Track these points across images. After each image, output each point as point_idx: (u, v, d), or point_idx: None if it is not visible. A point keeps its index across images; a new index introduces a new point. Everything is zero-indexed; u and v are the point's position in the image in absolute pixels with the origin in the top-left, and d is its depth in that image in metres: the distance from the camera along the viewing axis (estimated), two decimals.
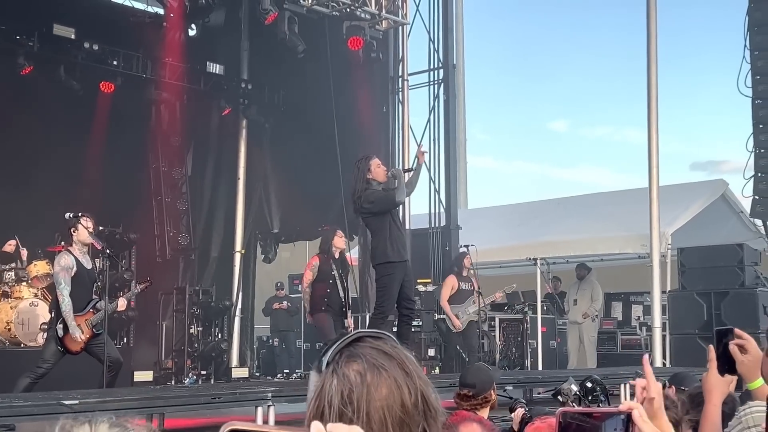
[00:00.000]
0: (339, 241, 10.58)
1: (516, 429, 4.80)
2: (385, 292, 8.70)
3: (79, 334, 8.19)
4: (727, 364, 3.04)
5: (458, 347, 12.33)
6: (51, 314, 9.25)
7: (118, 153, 13.29)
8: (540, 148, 45.04)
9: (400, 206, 9.25)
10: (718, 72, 32.95)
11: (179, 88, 13.96)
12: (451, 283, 12.33)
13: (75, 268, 8.23)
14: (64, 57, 12.59)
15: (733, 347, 3.01)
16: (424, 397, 1.49)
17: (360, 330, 1.57)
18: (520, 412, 4.95)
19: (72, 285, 8.18)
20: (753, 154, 12.28)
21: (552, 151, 42.83)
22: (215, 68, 14.28)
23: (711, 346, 3.09)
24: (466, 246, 13.52)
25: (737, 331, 3.11)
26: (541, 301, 14.69)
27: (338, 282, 10.23)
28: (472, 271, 12.43)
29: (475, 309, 12.16)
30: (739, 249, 12.07)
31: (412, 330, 9.90)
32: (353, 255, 15.41)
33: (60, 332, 8.14)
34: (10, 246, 10.65)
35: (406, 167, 8.94)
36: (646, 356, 2.56)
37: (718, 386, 3.14)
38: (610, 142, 42.46)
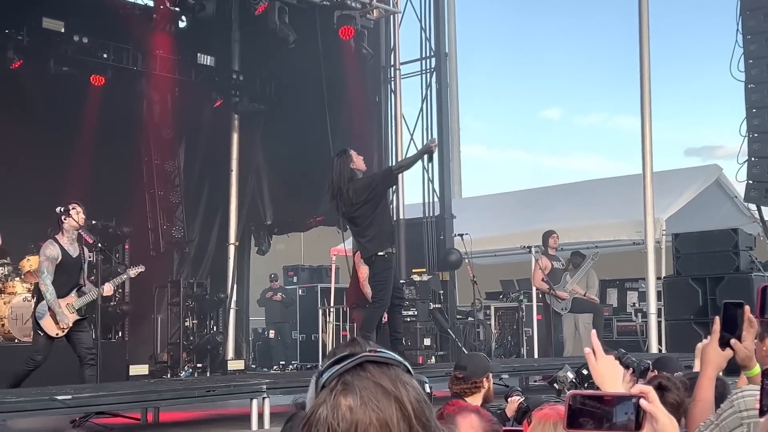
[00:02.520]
0: None
1: (509, 416, 4.78)
2: (385, 285, 8.72)
3: (67, 321, 8.16)
4: (729, 339, 3.02)
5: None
6: (33, 299, 9.23)
7: (110, 146, 13.25)
8: (533, 137, 45.01)
9: (391, 197, 9.30)
10: (712, 57, 32.96)
11: (170, 80, 13.89)
12: (544, 264, 12.49)
13: (60, 258, 8.20)
14: (53, 50, 12.51)
15: (749, 316, 2.99)
16: None
17: (367, 354, 1.47)
18: (516, 399, 4.93)
19: (56, 272, 8.16)
20: (746, 138, 12.25)
21: (545, 139, 42.79)
22: (206, 60, 14.21)
23: (717, 318, 3.06)
24: (461, 235, 13.54)
25: (747, 311, 3.08)
26: (537, 289, 14.68)
27: None
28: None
29: (572, 283, 12.48)
30: (733, 234, 12.06)
31: (406, 320, 9.94)
32: (347, 245, 15.40)
33: (39, 318, 8.12)
34: None
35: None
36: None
37: (715, 359, 3.12)
38: (602, 129, 42.45)
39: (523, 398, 5.00)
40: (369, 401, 1.40)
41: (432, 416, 1.46)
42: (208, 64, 14.25)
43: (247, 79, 14.83)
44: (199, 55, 14.14)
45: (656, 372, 5.37)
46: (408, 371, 1.48)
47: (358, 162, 8.62)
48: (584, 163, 43.78)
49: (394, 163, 8.60)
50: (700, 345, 3.31)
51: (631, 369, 5.79)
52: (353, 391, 1.41)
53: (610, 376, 2.29)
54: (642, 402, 1.89)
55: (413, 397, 1.43)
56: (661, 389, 3.60)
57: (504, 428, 3.25)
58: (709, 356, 3.13)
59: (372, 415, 1.39)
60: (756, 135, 12.12)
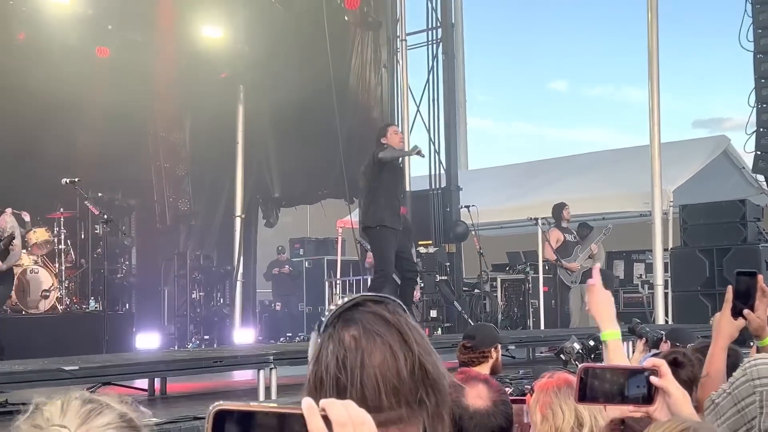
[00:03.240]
0: None
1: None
2: (382, 257, 8.93)
3: None
4: (742, 308, 3.00)
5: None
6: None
7: (116, 119, 13.19)
8: (540, 109, 44.83)
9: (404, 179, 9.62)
10: (720, 27, 32.69)
11: (176, 51, 13.81)
12: (555, 236, 12.48)
13: None
14: (58, 22, 12.44)
15: (762, 285, 2.98)
16: (422, 366, 1.44)
17: (362, 294, 1.54)
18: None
19: None
20: (755, 109, 12.16)
21: (552, 111, 42.64)
22: (212, 32, 14.12)
23: (730, 287, 3.04)
24: (467, 207, 13.52)
25: (761, 280, 3.06)
26: (543, 260, 14.66)
27: None
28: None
29: (585, 256, 12.48)
30: (741, 205, 12.01)
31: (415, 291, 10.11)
32: (354, 218, 15.39)
33: None
34: (6, 215, 10.58)
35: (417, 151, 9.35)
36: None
37: (728, 329, 3.11)
38: (610, 101, 42.24)
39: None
40: (371, 329, 1.44)
41: (431, 347, 1.49)
42: (214, 36, 14.17)
43: (252, 50, 14.74)
44: (205, 27, 14.05)
45: (669, 343, 5.36)
46: (404, 310, 1.51)
47: (392, 138, 8.99)
48: (591, 135, 43.66)
49: (385, 150, 8.83)
50: (717, 315, 3.30)
51: (644, 339, 5.79)
52: (355, 323, 1.45)
53: (604, 309, 2.55)
54: (652, 378, 1.87)
55: (412, 326, 1.47)
56: (675, 365, 3.59)
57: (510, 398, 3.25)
58: (722, 326, 3.11)
59: (377, 340, 1.43)
60: (765, 105, 12.04)
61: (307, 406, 1.10)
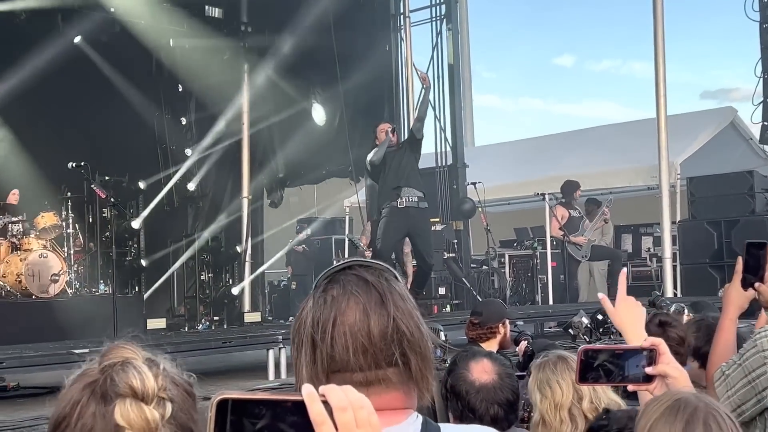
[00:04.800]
0: None
1: (522, 360, 4.80)
2: (381, 236, 9.06)
3: None
4: (752, 279, 2.98)
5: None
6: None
7: (122, 102, 13.19)
8: (546, 84, 44.65)
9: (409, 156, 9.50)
10: None
11: (179, 33, 13.77)
12: (561, 213, 12.50)
13: None
14: (61, 5, 12.41)
15: None
16: (397, 328, 1.46)
17: (356, 259, 1.58)
18: (523, 344, 4.95)
19: None
20: (761, 79, 12.10)
21: (559, 86, 42.49)
22: (214, 12, 14.07)
23: (739, 258, 3.03)
24: (474, 183, 13.51)
25: None
26: (551, 237, 14.66)
27: None
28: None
29: (592, 229, 12.52)
30: (749, 176, 11.97)
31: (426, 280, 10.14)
32: (360, 197, 15.39)
33: None
34: (14, 196, 10.61)
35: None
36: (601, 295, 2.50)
37: (737, 300, 3.10)
38: (616, 75, 42.07)
39: (529, 342, 5.03)
40: (349, 288, 1.48)
41: (414, 312, 1.51)
42: (216, 16, 14.12)
43: (255, 30, 14.69)
44: (207, 7, 13.99)
45: (691, 316, 5.36)
46: (396, 277, 1.54)
47: (380, 137, 9.20)
48: (598, 110, 43.50)
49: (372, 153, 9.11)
50: (726, 287, 3.29)
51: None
52: (337, 283, 1.49)
53: (631, 319, 2.22)
54: (648, 369, 1.88)
55: (395, 290, 1.50)
56: (662, 326, 3.60)
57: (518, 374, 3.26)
58: (732, 297, 3.10)
59: (352, 300, 1.46)
60: None
61: (308, 393, 1.12)
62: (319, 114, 14.84)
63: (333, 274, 1.52)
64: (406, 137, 9.68)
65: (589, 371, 1.87)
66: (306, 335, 1.47)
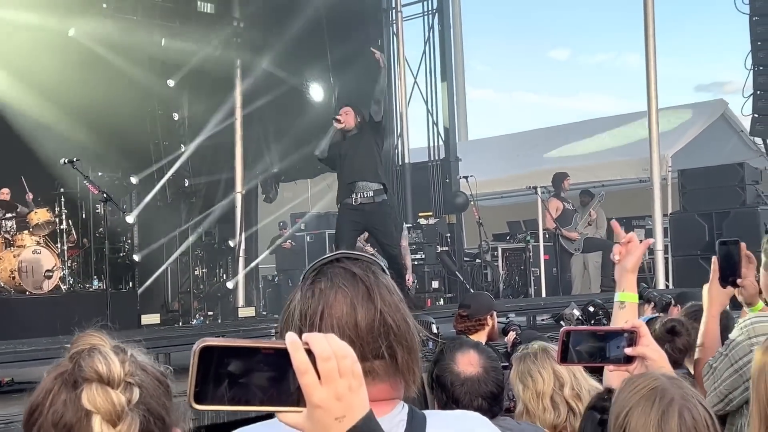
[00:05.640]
0: None
1: (510, 351, 4.84)
2: (337, 231, 8.99)
3: None
4: (729, 276, 3.04)
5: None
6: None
7: (114, 98, 13.18)
8: (541, 78, 44.70)
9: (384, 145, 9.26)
10: None
11: (171, 29, 13.77)
12: (555, 205, 12.53)
13: None
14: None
15: (746, 252, 3.01)
16: (384, 321, 1.47)
17: (344, 251, 1.59)
18: (512, 335, 5.00)
19: None
20: (752, 71, 12.15)
21: (553, 79, 42.51)
22: (206, 7, 14.08)
23: (714, 258, 3.09)
24: (466, 177, 13.55)
25: (743, 247, 3.11)
26: (544, 230, 14.71)
27: None
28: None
29: (584, 224, 12.55)
30: (739, 168, 12.03)
31: (413, 263, 9.94)
32: None
33: None
34: (4, 195, 10.61)
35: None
36: (614, 222, 2.61)
37: (718, 297, 3.17)
38: (610, 68, 42.13)
39: (518, 333, 5.07)
40: (337, 282, 1.49)
41: (401, 305, 1.52)
42: (208, 11, 14.13)
43: (248, 26, 14.71)
44: (199, 2, 14.00)
45: (678, 307, 5.40)
46: (383, 270, 1.56)
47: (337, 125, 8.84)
48: (592, 103, 43.53)
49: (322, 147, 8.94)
50: (706, 285, 3.35)
51: (652, 304, 5.83)
52: (325, 276, 1.51)
53: (633, 270, 2.36)
54: (627, 350, 1.92)
55: (382, 284, 1.51)
56: (673, 333, 3.64)
57: (503, 364, 3.30)
58: (712, 295, 3.17)
59: (339, 293, 1.48)
60: (761, 68, 12.03)
61: (291, 341, 1.12)
62: (316, 91, 14.72)
63: (321, 267, 1.54)
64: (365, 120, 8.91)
65: (571, 352, 1.91)
66: (294, 327, 1.48)
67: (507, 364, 3.54)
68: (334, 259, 1.55)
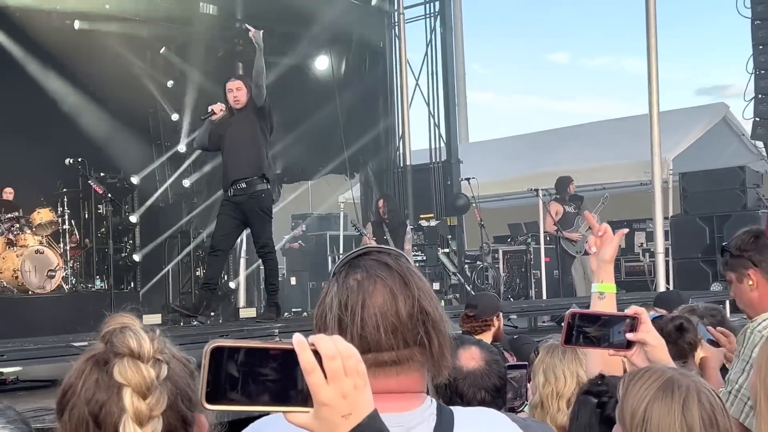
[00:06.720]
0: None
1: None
2: (215, 225, 8.55)
3: None
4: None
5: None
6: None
7: (116, 98, 13.20)
8: (541, 81, 44.76)
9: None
10: None
11: (173, 29, 13.79)
12: (555, 209, 12.54)
13: None
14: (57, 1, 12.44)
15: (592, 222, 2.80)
16: (422, 308, 1.53)
17: (370, 246, 1.65)
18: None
19: None
20: (753, 75, 12.17)
21: (553, 83, 42.58)
22: (209, 9, 14.09)
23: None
24: (467, 179, 13.58)
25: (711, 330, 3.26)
26: (545, 232, 14.74)
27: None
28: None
29: (586, 226, 12.54)
30: (740, 171, 12.07)
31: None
32: (354, 193, 15.46)
33: None
34: (8, 194, 10.62)
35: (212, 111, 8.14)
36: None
37: (713, 358, 3.29)
38: (610, 71, 42.19)
39: None
40: (374, 273, 1.54)
41: (432, 293, 1.59)
42: (210, 13, 14.14)
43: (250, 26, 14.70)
44: (201, 3, 14.02)
45: (655, 309, 5.41)
46: (407, 260, 1.61)
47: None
48: (592, 106, 43.59)
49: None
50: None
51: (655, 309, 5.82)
52: (359, 267, 1.56)
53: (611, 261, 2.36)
54: (628, 335, 1.96)
55: (414, 272, 1.57)
56: (680, 330, 3.67)
57: (507, 363, 3.32)
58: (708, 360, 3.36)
59: (378, 283, 1.53)
60: (763, 72, 12.04)
61: (298, 341, 1.16)
62: (322, 63, 14.59)
63: (352, 260, 1.59)
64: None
65: (575, 334, 1.95)
66: (333, 318, 1.52)
67: (518, 363, 3.57)
68: (363, 252, 1.60)
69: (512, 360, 4.27)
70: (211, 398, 1.15)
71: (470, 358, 2.87)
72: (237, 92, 8.03)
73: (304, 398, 1.16)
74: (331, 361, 1.16)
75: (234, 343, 1.15)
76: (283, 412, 1.18)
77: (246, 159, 8.08)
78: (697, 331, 3.77)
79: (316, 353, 1.16)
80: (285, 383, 1.16)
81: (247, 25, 8.75)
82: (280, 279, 17.29)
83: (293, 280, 16.73)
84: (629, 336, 1.96)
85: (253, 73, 7.99)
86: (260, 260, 9.22)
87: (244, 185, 8.03)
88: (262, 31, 8.24)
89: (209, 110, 8.11)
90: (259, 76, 7.96)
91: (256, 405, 1.16)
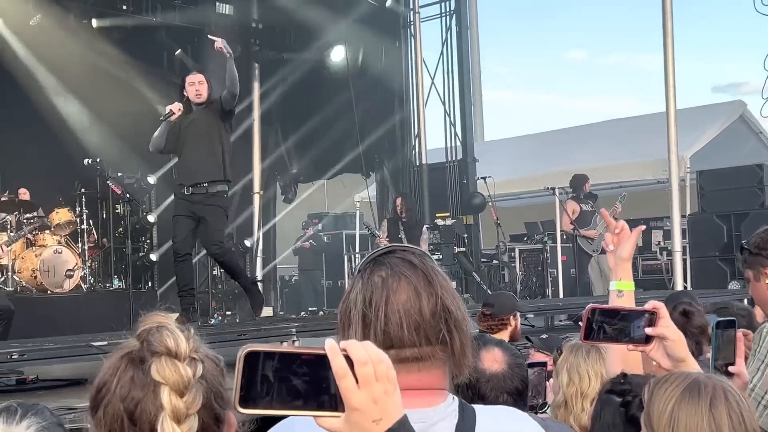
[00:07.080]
0: None
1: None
2: (173, 226, 8.15)
3: None
4: (723, 364, 2.71)
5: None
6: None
7: (132, 99, 13.26)
8: (558, 79, 44.63)
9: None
10: None
11: (190, 30, 13.84)
12: (572, 207, 12.53)
13: None
14: (74, 2, 12.51)
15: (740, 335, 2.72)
16: (445, 307, 1.56)
17: (394, 244, 1.68)
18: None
19: None
20: None
21: (570, 80, 42.45)
22: (224, 8, 14.13)
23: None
24: (484, 178, 13.58)
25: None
26: (561, 231, 14.70)
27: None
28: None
29: (603, 224, 12.44)
30: (758, 169, 12.01)
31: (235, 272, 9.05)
32: (371, 192, 15.47)
33: None
34: (23, 195, 10.66)
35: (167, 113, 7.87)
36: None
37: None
38: (626, 69, 42.01)
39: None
40: (398, 270, 1.56)
41: (455, 292, 1.61)
42: (226, 13, 14.18)
43: (266, 27, 14.76)
44: (217, 4, 14.06)
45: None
46: (430, 258, 1.64)
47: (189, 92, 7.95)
48: (609, 104, 43.43)
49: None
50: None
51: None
52: (384, 265, 1.58)
53: (629, 258, 2.32)
54: (647, 330, 1.95)
55: (438, 271, 1.60)
56: (686, 315, 3.66)
57: (528, 361, 3.32)
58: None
59: (403, 280, 1.55)
60: None
61: (330, 347, 1.18)
62: (338, 62, 14.61)
63: (376, 258, 1.61)
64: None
65: (595, 329, 1.95)
66: (358, 314, 1.55)
67: (536, 361, 3.57)
68: (387, 251, 1.62)
69: (547, 359, 4.22)
70: (245, 402, 1.17)
71: (493, 361, 2.87)
72: (199, 86, 7.84)
73: (335, 403, 1.18)
74: (362, 367, 1.18)
75: (268, 348, 1.18)
76: (315, 416, 1.20)
77: (211, 160, 7.84)
78: (703, 314, 3.76)
79: (347, 358, 1.18)
80: (316, 388, 1.18)
81: (209, 35, 8.62)
82: (287, 279, 17.39)
83: (295, 279, 16.75)
84: (649, 330, 1.95)
85: (227, 82, 7.78)
86: (219, 262, 8.81)
87: (206, 184, 7.81)
88: (222, 39, 8.06)
89: (167, 111, 7.87)
90: (233, 84, 7.78)
91: (288, 409, 1.18)
